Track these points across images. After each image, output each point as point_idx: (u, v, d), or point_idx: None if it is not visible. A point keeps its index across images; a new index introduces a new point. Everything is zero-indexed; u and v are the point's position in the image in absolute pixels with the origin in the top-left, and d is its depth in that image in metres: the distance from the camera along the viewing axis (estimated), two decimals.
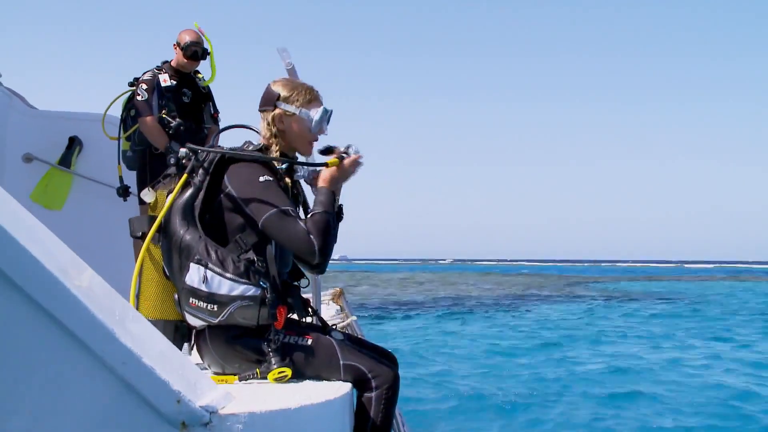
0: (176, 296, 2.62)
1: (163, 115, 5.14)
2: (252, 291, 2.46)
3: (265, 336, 2.51)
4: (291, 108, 2.75)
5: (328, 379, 2.55)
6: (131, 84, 5.30)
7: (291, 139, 2.78)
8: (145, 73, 5.26)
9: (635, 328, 16.74)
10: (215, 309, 2.45)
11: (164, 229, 2.58)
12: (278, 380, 2.44)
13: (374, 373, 2.56)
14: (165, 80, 5.21)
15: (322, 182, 2.68)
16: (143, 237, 2.63)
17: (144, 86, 5.14)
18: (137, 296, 2.75)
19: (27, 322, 1.74)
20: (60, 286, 1.74)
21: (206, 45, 5.27)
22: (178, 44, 5.24)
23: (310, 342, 2.57)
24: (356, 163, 2.73)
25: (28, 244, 1.71)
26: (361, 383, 2.56)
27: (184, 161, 2.65)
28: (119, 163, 5.35)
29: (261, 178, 2.58)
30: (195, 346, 2.66)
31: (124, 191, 5.34)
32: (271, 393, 2.27)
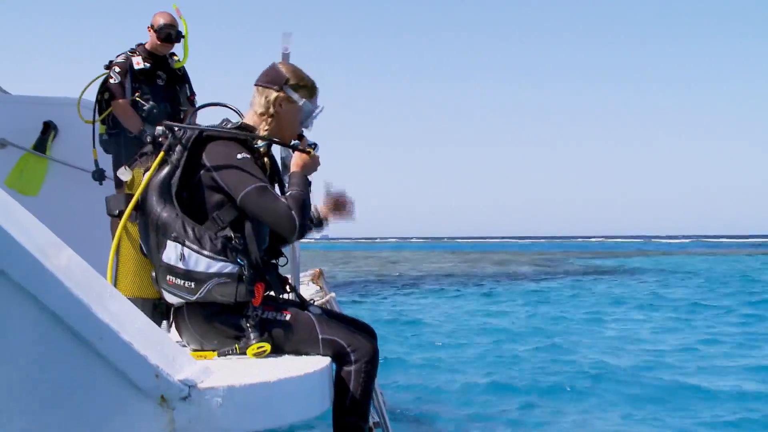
0: (153, 274, 2.61)
1: (137, 98, 5.09)
2: (229, 268, 2.46)
3: (243, 312, 2.51)
4: (295, 96, 2.75)
5: (307, 354, 2.56)
6: (106, 67, 5.23)
7: (283, 124, 2.78)
8: (118, 55, 5.21)
9: (616, 305, 16.66)
10: (193, 286, 2.46)
11: (141, 208, 2.58)
12: (257, 355, 2.44)
13: (353, 347, 2.55)
14: (138, 63, 5.17)
15: (294, 167, 2.72)
16: (120, 215, 2.62)
17: (117, 69, 5.11)
18: (115, 275, 2.74)
19: (4, 301, 1.74)
20: (38, 265, 1.73)
21: (181, 28, 5.20)
22: (152, 27, 5.20)
23: (288, 317, 2.57)
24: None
25: (6, 223, 1.70)
26: (340, 357, 2.56)
27: (160, 139, 2.64)
28: (94, 147, 5.31)
29: (238, 156, 2.58)
30: (173, 324, 2.66)
31: (99, 175, 5.32)
32: (250, 368, 2.27)
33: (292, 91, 2.75)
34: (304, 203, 2.59)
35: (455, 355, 9.67)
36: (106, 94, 5.18)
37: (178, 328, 2.63)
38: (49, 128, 6.35)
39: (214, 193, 2.59)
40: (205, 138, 2.63)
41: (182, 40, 5.25)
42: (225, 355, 2.49)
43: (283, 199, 2.56)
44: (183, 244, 2.46)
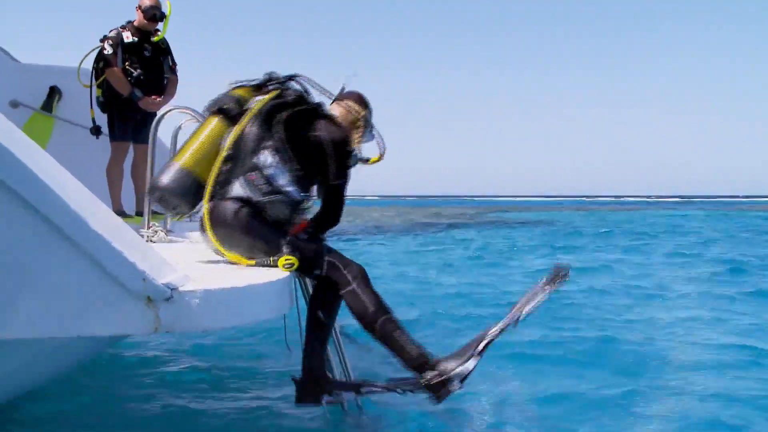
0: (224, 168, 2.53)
1: (127, 67, 4.96)
2: (297, 195, 2.51)
3: (277, 230, 2.49)
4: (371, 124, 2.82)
5: (312, 269, 2.51)
6: (101, 40, 5.05)
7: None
8: (111, 30, 5.05)
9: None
10: (265, 189, 2.45)
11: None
12: (286, 267, 2.36)
13: (345, 267, 2.50)
14: (128, 37, 5.04)
15: None
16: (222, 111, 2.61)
17: (110, 42, 4.96)
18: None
19: (21, 220, 1.69)
20: (49, 190, 1.67)
21: (165, 9, 5.06)
22: (140, 7, 5.08)
23: (306, 242, 2.57)
24: None
25: (23, 156, 1.66)
26: (338, 277, 2.49)
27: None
28: (92, 107, 5.15)
29: (348, 148, 2.64)
30: (205, 226, 2.53)
31: (96, 130, 5.18)
32: (224, 275, 2.22)
33: (370, 119, 2.82)
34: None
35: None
36: (101, 63, 5.02)
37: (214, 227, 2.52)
38: (54, 92, 6.11)
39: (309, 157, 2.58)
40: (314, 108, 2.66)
41: (164, 18, 5.06)
42: (262, 265, 2.40)
43: None
44: (276, 158, 2.48)
